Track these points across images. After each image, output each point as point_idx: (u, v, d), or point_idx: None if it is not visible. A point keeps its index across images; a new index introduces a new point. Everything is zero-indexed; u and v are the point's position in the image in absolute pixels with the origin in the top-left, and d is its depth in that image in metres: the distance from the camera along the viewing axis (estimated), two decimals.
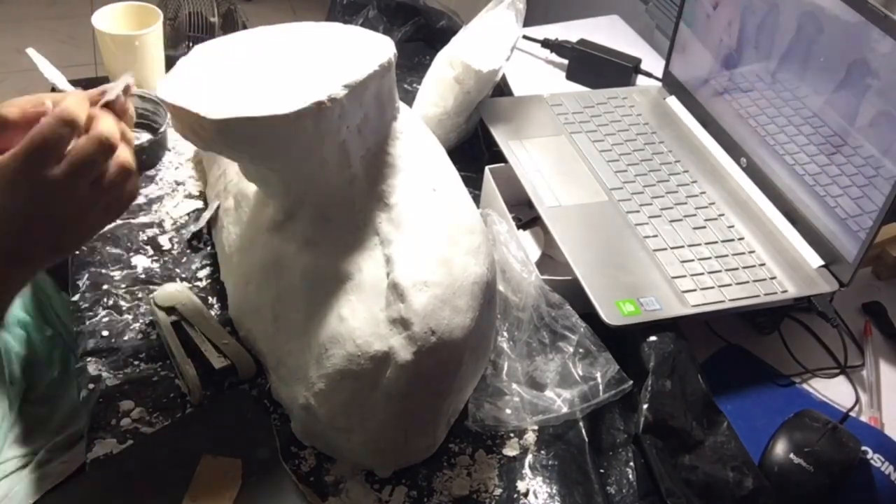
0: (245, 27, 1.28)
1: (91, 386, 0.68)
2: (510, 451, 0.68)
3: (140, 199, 0.87)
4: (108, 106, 0.54)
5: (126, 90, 0.56)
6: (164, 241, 0.82)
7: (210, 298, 0.77)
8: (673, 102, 1.03)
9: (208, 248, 0.82)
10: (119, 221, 0.82)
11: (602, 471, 0.67)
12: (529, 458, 0.68)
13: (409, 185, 0.63)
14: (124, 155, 0.53)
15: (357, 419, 0.61)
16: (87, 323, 0.73)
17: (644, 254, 0.79)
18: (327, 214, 0.63)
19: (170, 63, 0.99)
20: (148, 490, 0.61)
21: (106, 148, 0.52)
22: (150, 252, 0.81)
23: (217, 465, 0.62)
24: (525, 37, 1.18)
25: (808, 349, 0.81)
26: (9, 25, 2.53)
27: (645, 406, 0.67)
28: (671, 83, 1.04)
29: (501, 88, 1.06)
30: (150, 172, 0.90)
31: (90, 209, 0.53)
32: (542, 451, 0.68)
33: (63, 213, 0.52)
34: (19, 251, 0.52)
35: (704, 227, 0.83)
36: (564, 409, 0.69)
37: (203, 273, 0.80)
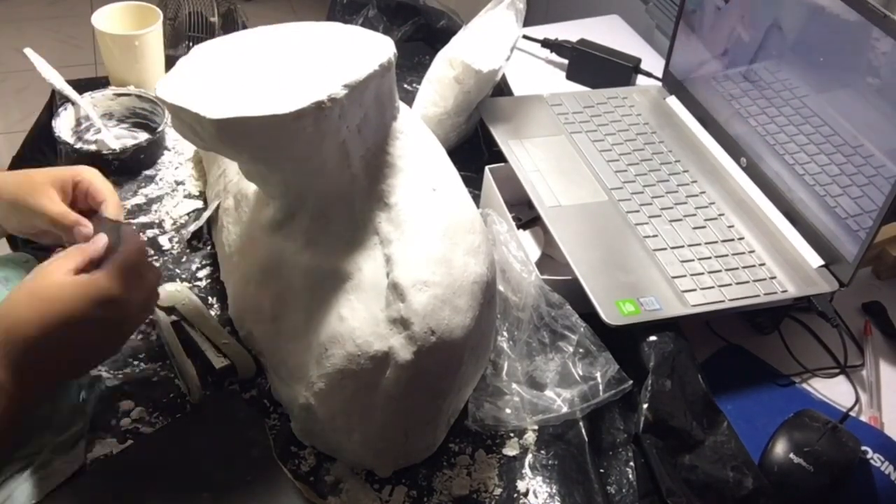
0: (245, 27, 1.28)
1: (91, 386, 0.68)
2: (510, 450, 0.68)
3: (140, 199, 0.87)
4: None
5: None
6: (163, 241, 0.82)
7: (210, 298, 0.77)
8: (673, 102, 1.02)
9: (208, 248, 0.82)
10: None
11: (602, 470, 0.67)
12: (529, 457, 0.68)
13: (409, 185, 0.63)
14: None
15: (357, 419, 0.61)
16: None
17: (644, 253, 0.79)
18: (327, 214, 0.63)
19: (170, 63, 0.99)
20: (148, 490, 0.61)
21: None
22: (151, 252, 0.81)
23: None
24: (525, 37, 1.18)
25: (808, 349, 0.81)
26: (9, 25, 2.53)
27: (645, 406, 0.67)
28: (671, 83, 1.04)
29: (501, 88, 1.06)
30: (150, 172, 0.90)
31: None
32: (542, 451, 0.68)
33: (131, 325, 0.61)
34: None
35: (704, 227, 0.83)
36: (564, 409, 0.69)
37: (203, 273, 0.80)
